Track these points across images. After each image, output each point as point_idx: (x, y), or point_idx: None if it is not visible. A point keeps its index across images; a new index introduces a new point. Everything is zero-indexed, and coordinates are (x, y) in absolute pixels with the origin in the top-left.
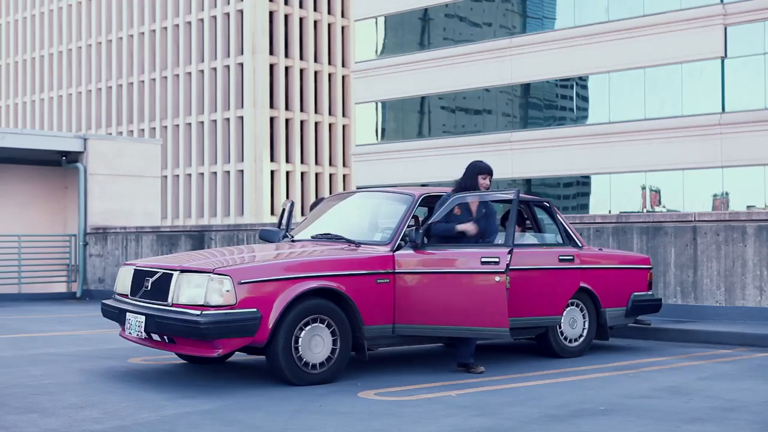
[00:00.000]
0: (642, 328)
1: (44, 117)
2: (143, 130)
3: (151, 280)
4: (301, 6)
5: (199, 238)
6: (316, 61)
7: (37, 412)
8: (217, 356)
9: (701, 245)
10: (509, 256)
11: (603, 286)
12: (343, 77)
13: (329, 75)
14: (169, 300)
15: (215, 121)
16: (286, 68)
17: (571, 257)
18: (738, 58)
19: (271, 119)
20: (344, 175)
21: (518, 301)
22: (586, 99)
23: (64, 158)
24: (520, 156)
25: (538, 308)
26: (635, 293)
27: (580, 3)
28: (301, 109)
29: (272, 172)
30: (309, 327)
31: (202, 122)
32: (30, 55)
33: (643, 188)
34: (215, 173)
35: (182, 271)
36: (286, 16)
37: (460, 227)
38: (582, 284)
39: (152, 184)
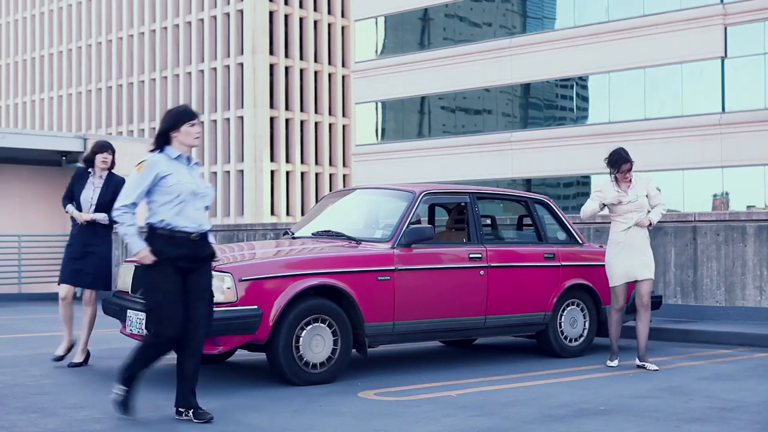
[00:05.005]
0: None
1: (44, 117)
2: (143, 130)
3: None
4: (301, 6)
5: None
6: (316, 61)
7: (37, 412)
8: (217, 353)
9: (701, 245)
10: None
11: (603, 283)
12: (343, 77)
13: (329, 75)
14: None
15: (215, 121)
16: (286, 68)
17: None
18: (738, 58)
19: (271, 119)
20: (344, 175)
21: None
22: (586, 99)
23: (64, 158)
24: (520, 156)
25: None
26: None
27: (580, 3)
28: (301, 109)
29: (272, 172)
30: (310, 327)
31: (202, 122)
32: (30, 55)
33: None
34: (215, 173)
35: None
36: (286, 16)
37: None
38: (582, 282)
39: None
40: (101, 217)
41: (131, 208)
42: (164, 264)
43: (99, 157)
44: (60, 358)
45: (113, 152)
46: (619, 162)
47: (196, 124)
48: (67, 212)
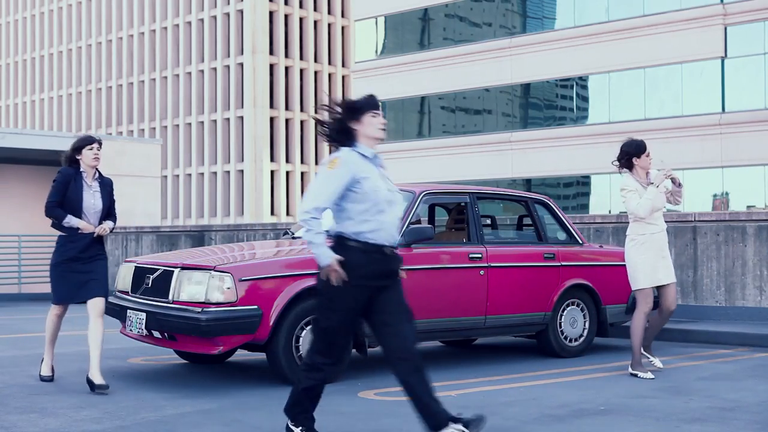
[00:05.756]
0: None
1: (44, 117)
2: (143, 130)
3: (152, 277)
4: (301, 6)
5: (199, 238)
6: (316, 61)
7: (37, 412)
8: (217, 353)
9: (701, 245)
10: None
11: (603, 283)
12: (343, 77)
13: (329, 75)
14: (170, 297)
15: (215, 121)
16: (286, 68)
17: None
18: (738, 58)
19: (271, 119)
20: None
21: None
22: (586, 99)
23: None
24: (520, 156)
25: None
26: None
27: (580, 3)
28: (301, 109)
29: (272, 172)
30: (310, 327)
31: (202, 122)
32: (30, 55)
33: None
34: (215, 173)
35: (183, 268)
36: (286, 16)
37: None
38: (582, 282)
39: (152, 184)
40: (111, 225)
41: (321, 213)
42: (352, 282)
43: (89, 154)
44: (50, 378)
45: (101, 145)
46: (641, 148)
47: (379, 114)
48: (68, 224)
